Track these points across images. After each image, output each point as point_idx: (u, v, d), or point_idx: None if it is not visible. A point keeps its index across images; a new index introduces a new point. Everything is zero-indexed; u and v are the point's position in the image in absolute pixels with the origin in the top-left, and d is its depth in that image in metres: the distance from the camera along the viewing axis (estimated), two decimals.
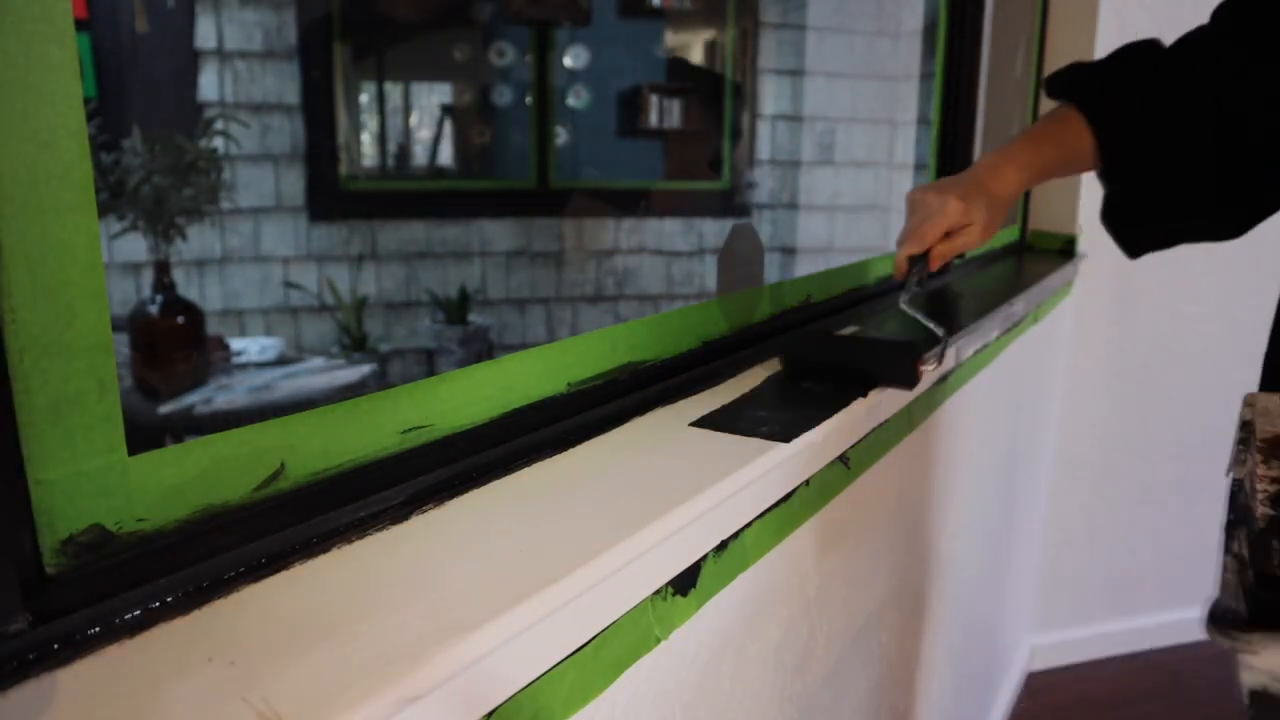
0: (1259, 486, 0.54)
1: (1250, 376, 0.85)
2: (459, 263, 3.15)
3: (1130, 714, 2.12)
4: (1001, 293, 1.37)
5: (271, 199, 2.88)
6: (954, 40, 1.48)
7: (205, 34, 2.74)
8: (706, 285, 3.48)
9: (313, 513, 0.46)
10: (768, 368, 0.85)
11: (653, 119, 3.41)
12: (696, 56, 3.55)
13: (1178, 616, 2.37)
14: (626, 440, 0.64)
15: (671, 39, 3.50)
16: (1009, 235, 1.96)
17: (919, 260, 0.85)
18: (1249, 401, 0.66)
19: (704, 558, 0.59)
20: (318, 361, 2.56)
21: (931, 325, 0.87)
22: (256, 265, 2.89)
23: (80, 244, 0.36)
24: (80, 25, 1.99)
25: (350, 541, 0.46)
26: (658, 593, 0.55)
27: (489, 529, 0.48)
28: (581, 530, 0.48)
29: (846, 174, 3.63)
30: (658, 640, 0.56)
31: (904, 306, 0.85)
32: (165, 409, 1.98)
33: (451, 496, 0.52)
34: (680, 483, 0.55)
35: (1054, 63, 2.00)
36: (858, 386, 0.76)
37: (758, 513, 0.66)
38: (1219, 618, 0.40)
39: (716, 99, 3.50)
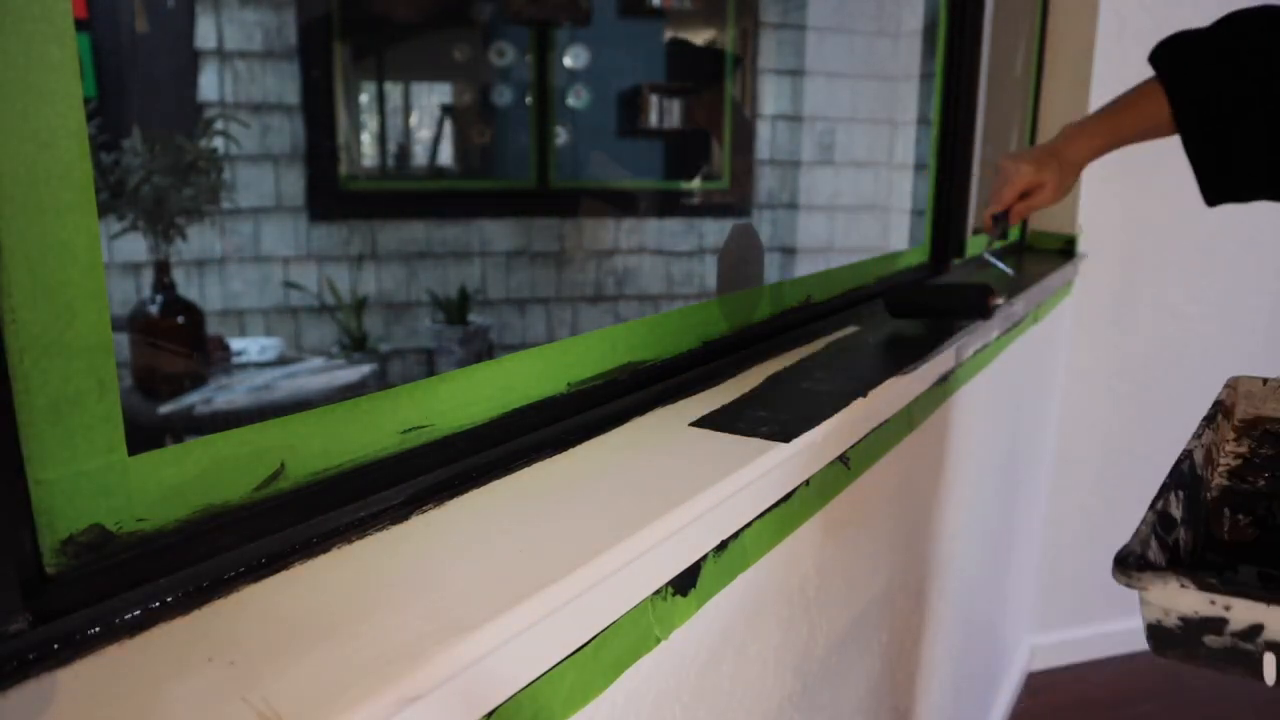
0: (1220, 460, 0.61)
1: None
2: (459, 263, 3.15)
3: (1130, 714, 2.12)
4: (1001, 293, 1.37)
5: (271, 199, 2.88)
6: (954, 40, 1.48)
7: (205, 34, 2.74)
8: (706, 285, 3.47)
9: (313, 513, 0.46)
10: (768, 368, 0.85)
11: (653, 119, 3.41)
12: (697, 56, 3.55)
13: None
14: (626, 440, 0.64)
15: (671, 39, 3.50)
16: (1009, 235, 1.96)
17: (1001, 217, 1.04)
18: (1230, 384, 0.72)
19: (704, 558, 0.59)
20: (318, 361, 2.56)
21: (1008, 270, 1.10)
22: (256, 265, 2.89)
23: (80, 244, 0.36)
24: (80, 25, 1.99)
25: (350, 541, 0.46)
26: (658, 593, 0.55)
27: (489, 529, 0.48)
28: (581, 530, 0.48)
29: (846, 174, 3.62)
30: (658, 640, 0.56)
31: (987, 256, 1.13)
32: (165, 409, 1.98)
33: (451, 496, 0.52)
34: (680, 483, 0.55)
35: (1054, 63, 2.00)
36: (948, 320, 1.00)
37: (758, 513, 0.66)
38: (1123, 560, 0.45)
39: (717, 99, 3.50)
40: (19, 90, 0.33)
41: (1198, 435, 0.63)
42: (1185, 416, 2.31)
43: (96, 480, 0.38)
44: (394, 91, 3.16)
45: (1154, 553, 0.47)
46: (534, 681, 0.45)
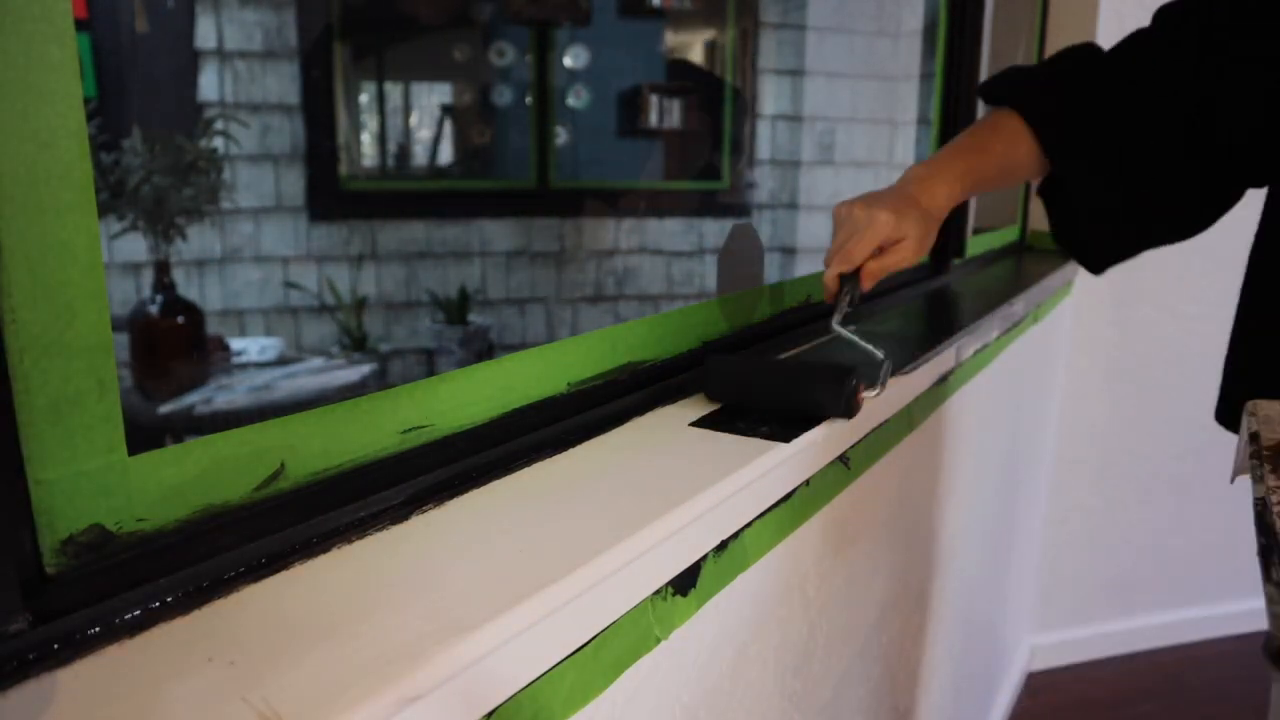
0: (1273, 499, 0.51)
1: None
2: (459, 263, 3.15)
3: (1130, 714, 2.12)
4: (1001, 293, 1.37)
5: (271, 199, 2.88)
6: (954, 40, 1.48)
7: (205, 34, 2.74)
8: (706, 285, 3.47)
9: (313, 513, 0.46)
10: None
11: (653, 119, 3.41)
12: (696, 56, 3.55)
13: (1177, 617, 2.37)
14: (626, 440, 0.64)
15: (671, 39, 3.50)
16: (1009, 235, 1.96)
17: (850, 279, 0.80)
18: (1251, 410, 0.63)
19: (704, 558, 0.59)
20: (318, 361, 2.56)
21: (869, 348, 0.78)
22: (256, 265, 2.89)
23: (80, 244, 0.36)
24: (80, 25, 1.99)
25: (350, 541, 0.46)
26: (658, 593, 0.55)
27: (489, 529, 0.48)
28: (581, 530, 0.48)
29: (846, 174, 3.62)
30: (658, 640, 0.56)
31: (836, 328, 0.78)
32: (165, 409, 1.98)
33: (451, 496, 0.52)
34: (680, 483, 0.55)
35: None
36: (791, 420, 0.69)
37: (758, 513, 0.66)
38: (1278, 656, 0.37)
39: (716, 99, 3.50)
40: (19, 90, 0.33)
41: (1258, 478, 0.54)
42: (1185, 417, 2.31)
43: (96, 480, 0.38)
44: (394, 91, 3.16)
45: None
46: (534, 681, 0.45)
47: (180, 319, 2.10)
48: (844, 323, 0.78)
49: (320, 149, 2.91)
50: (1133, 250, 0.94)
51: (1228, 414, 0.89)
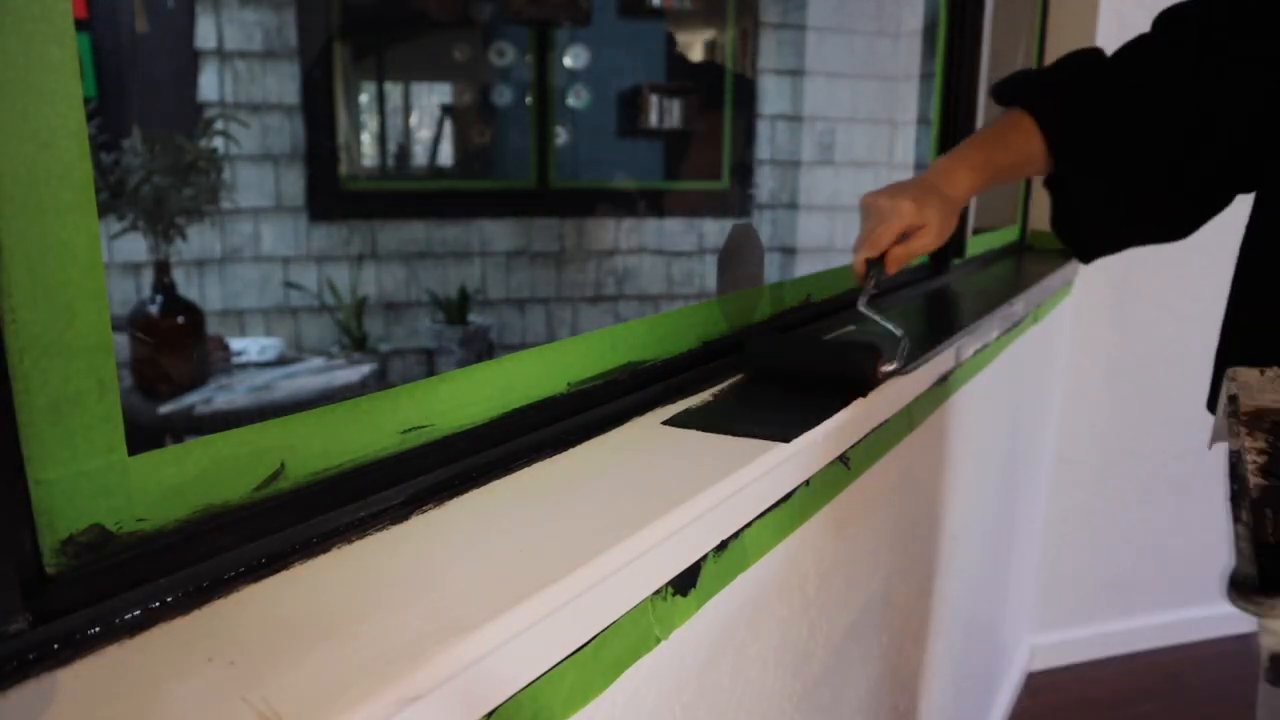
0: (1249, 458, 0.55)
1: None
2: (459, 263, 3.15)
3: (1130, 714, 2.12)
4: (1001, 293, 1.37)
5: (271, 199, 2.88)
6: (954, 40, 1.48)
7: (205, 34, 2.74)
8: (706, 285, 3.47)
9: (313, 513, 0.46)
10: None
11: (652, 119, 3.41)
12: (697, 56, 3.55)
13: (1177, 616, 2.37)
14: (627, 440, 0.64)
15: (671, 39, 3.50)
16: (1009, 235, 1.96)
17: (876, 264, 0.86)
18: (1231, 376, 0.68)
19: (704, 558, 0.59)
20: (318, 361, 2.56)
21: (890, 326, 0.86)
22: (256, 265, 2.89)
23: (80, 244, 0.36)
24: (80, 25, 1.99)
25: (350, 541, 0.46)
26: (658, 593, 0.55)
27: (489, 529, 0.48)
28: (581, 530, 0.48)
29: (846, 174, 3.63)
30: (658, 640, 0.56)
31: (862, 309, 0.86)
32: (165, 409, 1.99)
33: (451, 496, 0.52)
34: (680, 483, 0.55)
35: None
36: (818, 389, 0.76)
37: (758, 513, 0.66)
38: (1240, 584, 0.40)
39: (716, 99, 3.50)
40: (19, 90, 0.33)
41: (1234, 433, 0.58)
42: (1185, 416, 2.31)
43: (96, 480, 0.38)
44: (394, 91, 3.16)
45: (1254, 570, 0.42)
46: (534, 681, 0.45)
47: (180, 319, 2.10)
48: (869, 305, 0.86)
49: (320, 149, 2.92)
50: (1121, 246, 0.98)
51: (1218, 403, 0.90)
